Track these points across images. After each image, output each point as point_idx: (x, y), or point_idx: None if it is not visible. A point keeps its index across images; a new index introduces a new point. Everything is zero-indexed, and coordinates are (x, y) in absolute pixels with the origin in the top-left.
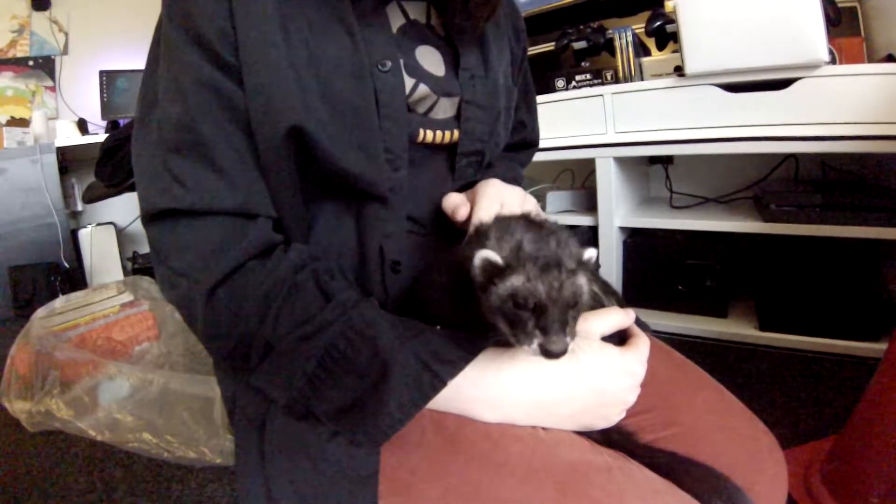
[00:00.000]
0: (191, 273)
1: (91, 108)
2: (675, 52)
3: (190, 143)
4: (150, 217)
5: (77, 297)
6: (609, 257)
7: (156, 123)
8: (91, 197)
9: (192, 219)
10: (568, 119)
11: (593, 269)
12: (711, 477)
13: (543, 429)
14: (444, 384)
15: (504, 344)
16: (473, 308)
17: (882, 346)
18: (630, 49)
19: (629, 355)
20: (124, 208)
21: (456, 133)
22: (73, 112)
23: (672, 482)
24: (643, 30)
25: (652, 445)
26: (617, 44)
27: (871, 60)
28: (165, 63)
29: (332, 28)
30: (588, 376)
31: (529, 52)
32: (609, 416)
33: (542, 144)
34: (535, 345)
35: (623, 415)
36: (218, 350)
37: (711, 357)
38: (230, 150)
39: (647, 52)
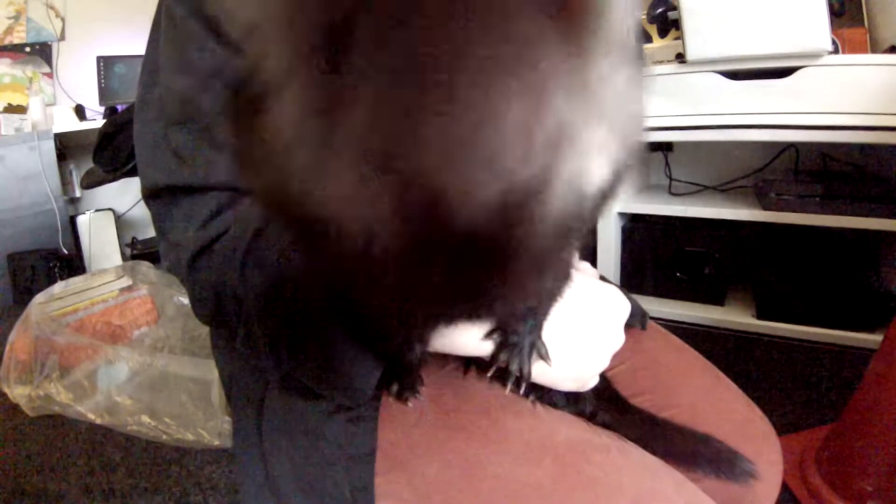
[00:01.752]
0: (182, 243)
1: (89, 94)
2: (676, 39)
3: (191, 117)
4: (151, 193)
5: (76, 282)
6: (608, 243)
7: (157, 98)
8: (89, 183)
9: (190, 194)
10: None
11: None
12: (709, 443)
13: (542, 407)
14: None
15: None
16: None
17: (878, 337)
18: None
19: (610, 286)
20: (123, 194)
21: None
22: (71, 98)
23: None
24: (645, 16)
25: (653, 414)
26: None
27: (874, 51)
28: (168, 38)
29: None
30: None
31: None
32: (607, 358)
33: None
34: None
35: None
36: (204, 317)
37: (708, 344)
38: (232, 126)
39: (649, 39)
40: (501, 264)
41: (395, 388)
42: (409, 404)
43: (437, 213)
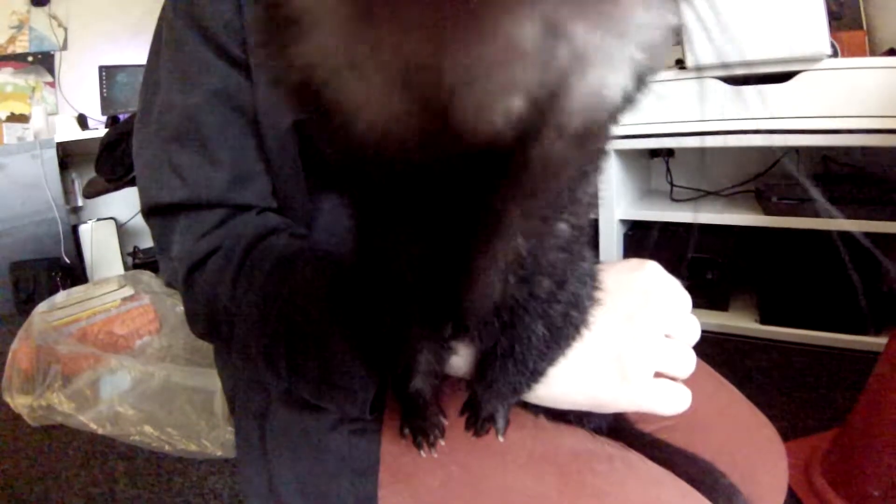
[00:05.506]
0: (180, 258)
1: (91, 104)
2: (676, 44)
3: (191, 134)
4: (150, 211)
5: (78, 291)
6: (610, 250)
7: (156, 113)
8: (91, 192)
9: (189, 211)
10: None
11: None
12: (709, 473)
13: (546, 418)
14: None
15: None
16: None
17: (883, 341)
18: None
19: (638, 274)
20: (125, 203)
21: None
22: (73, 107)
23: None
24: None
25: (652, 436)
26: None
27: (873, 54)
28: (169, 53)
29: None
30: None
31: None
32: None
33: None
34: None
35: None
36: (198, 331)
37: (712, 350)
38: (231, 141)
39: None
40: (516, 170)
41: (405, 431)
42: (422, 453)
43: (453, 124)
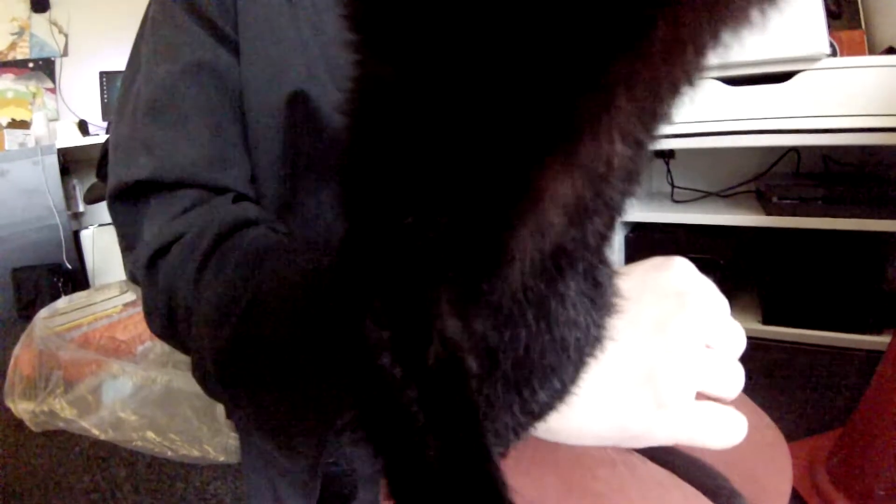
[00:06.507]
0: (146, 243)
1: (92, 110)
2: None
3: (168, 107)
4: (116, 194)
5: (80, 297)
6: (611, 252)
7: (134, 92)
8: (93, 198)
9: (159, 193)
10: None
11: None
12: (711, 476)
13: None
14: None
15: None
16: None
17: (886, 339)
18: None
19: (664, 274)
20: None
21: None
22: (74, 113)
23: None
24: None
25: (673, 448)
26: None
27: (871, 53)
28: (154, 31)
29: (335, 6)
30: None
31: None
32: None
33: None
34: None
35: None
36: (155, 330)
37: None
38: (210, 119)
39: None
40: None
41: None
42: None
43: None
